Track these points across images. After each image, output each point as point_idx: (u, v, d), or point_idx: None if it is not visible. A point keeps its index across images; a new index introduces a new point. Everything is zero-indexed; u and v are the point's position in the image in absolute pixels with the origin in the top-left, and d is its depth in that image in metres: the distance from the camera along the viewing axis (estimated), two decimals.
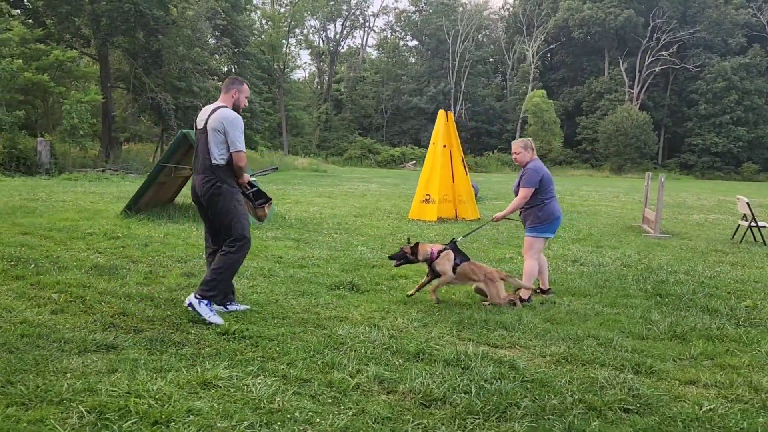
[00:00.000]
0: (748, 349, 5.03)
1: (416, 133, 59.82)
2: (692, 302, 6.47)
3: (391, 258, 6.37)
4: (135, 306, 5.41)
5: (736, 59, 55.42)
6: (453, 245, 6.25)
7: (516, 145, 6.51)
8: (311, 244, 9.26)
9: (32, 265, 6.74)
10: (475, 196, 17.47)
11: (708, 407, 3.84)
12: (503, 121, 62.86)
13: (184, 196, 13.56)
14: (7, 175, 20.26)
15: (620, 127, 53.69)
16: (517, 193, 6.46)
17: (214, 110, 5.24)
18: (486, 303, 6.19)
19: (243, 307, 5.56)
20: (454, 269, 6.09)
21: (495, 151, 57.74)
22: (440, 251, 6.13)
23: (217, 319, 5.06)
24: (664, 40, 57.41)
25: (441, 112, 13.87)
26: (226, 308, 5.43)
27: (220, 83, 34.08)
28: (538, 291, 6.84)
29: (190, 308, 5.13)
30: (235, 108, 5.36)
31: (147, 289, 6.05)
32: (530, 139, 6.69)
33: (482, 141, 61.05)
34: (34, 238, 8.57)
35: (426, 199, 13.54)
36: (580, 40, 61.00)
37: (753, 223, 11.35)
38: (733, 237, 12.08)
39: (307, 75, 74.92)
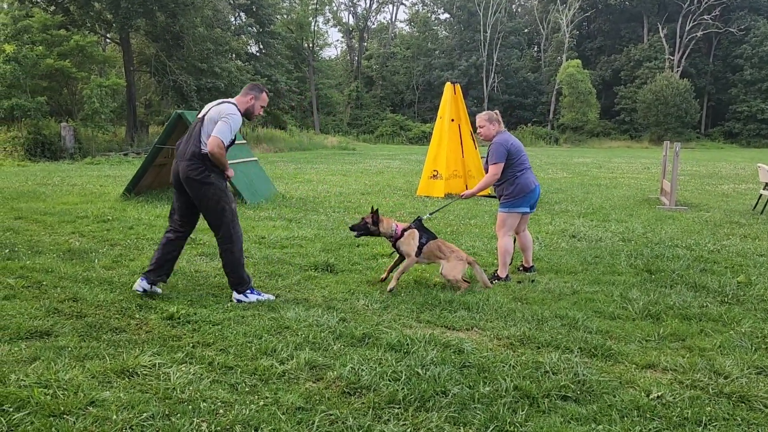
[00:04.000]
0: (725, 329, 4.66)
1: None
2: (681, 278, 6.07)
3: (351, 228, 5.97)
4: (89, 291, 5.33)
5: None
6: (418, 223, 5.93)
7: (480, 118, 6.15)
8: (302, 224, 9.10)
9: (7, 250, 6.74)
10: None
11: (656, 394, 3.53)
12: (537, 93, 61.33)
13: None
14: (32, 160, 20.68)
15: (660, 96, 51.71)
16: (488, 171, 6.12)
17: (220, 103, 5.26)
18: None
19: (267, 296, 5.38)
20: (420, 248, 5.78)
21: (529, 124, 56.53)
22: (404, 230, 5.82)
23: (268, 296, 5.30)
24: (706, 2, 54.81)
25: (448, 85, 13.43)
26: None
27: (243, 63, 34.17)
28: (520, 269, 6.54)
29: (240, 303, 5.17)
30: (247, 113, 5.39)
31: (109, 273, 5.97)
32: (496, 111, 6.29)
33: (516, 114, 59.72)
34: (26, 223, 8.63)
35: (434, 175, 13.21)
36: (617, 6, 58.85)
37: None
38: (754, 207, 11.43)
39: (339, 53, 74.52)
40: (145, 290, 5.21)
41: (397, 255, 5.92)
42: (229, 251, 5.28)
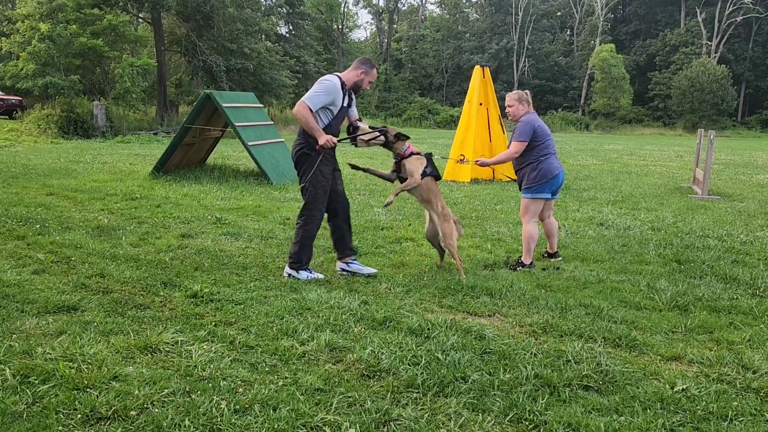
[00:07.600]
0: (756, 322, 4.54)
1: None
2: (711, 270, 5.93)
3: (371, 127, 5.66)
4: (116, 267, 5.41)
5: None
6: (428, 156, 5.70)
7: (509, 97, 6.04)
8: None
9: (38, 225, 6.87)
10: None
11: (681, 387, 3.46)
12: (569, 78, 60.31)
13: (216, 157, 13.67)
14: (65, 138, 21.02)
15: (696, 83, 50.43)
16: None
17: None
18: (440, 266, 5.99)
19: (367, 270, 5.61)
20: (422, 176, 5.52)
21: (560, 109, 55.71)
22: (415, 153, 5.59)
23: (317, 275, 5.46)
24: None
25: (477, 69, 13.26)
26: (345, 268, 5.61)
27: (273, 44, 34.19)
28: (545, 255, 6.46)
29: (290, 278, 5.34)
30: (356, 86, 5.41)
31: (136, 251, 6.04)
32: (526, 91, 6.19)
33: (546, 99, 58.86)
34: (57, 199, 8.79)
35: (460, 160, 13.06)
36: None
37: None
38: None
39: (368, 35, 74.19)
40: (343, 269, 5.60)
41: (397, 182, 5.71)
42: (303, 226, 5.45)
